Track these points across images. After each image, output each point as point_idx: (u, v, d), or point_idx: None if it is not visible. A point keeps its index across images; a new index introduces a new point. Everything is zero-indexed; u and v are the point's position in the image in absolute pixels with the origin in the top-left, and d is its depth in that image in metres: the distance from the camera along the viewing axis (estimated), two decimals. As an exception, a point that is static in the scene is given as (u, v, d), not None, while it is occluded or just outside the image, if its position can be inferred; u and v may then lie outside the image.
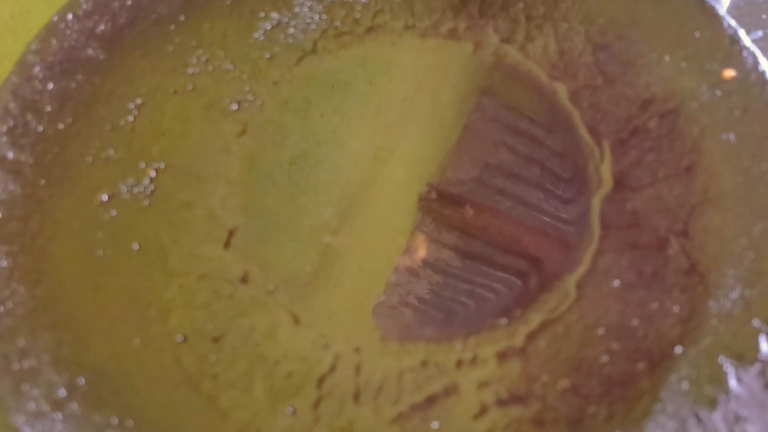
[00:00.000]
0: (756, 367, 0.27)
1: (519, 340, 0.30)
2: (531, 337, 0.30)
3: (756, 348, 0.27)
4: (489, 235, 0.34)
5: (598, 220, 0.33)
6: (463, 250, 0.33)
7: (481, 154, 0.36)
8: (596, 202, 0.33)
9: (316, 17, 0.39)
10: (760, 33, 0.42)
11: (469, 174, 0.36)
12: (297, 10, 0.39)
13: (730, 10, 0.42)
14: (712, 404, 0.27)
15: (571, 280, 0.31)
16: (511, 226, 0.33)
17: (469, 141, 0.36)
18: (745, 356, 0.27)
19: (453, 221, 0.34)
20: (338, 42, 0.38)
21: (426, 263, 0.33)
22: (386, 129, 0.36)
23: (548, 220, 0.34)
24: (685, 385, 0.27)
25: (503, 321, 0.30)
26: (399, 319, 0.31)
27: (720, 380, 0.27)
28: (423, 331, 0.30)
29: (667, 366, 0.28)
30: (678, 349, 0.28)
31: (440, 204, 0.34)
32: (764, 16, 0.43)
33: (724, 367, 0.27)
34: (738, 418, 0.26)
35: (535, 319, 0.30)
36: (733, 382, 0.27)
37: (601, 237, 0.32)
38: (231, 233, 0.33)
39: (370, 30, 0.39)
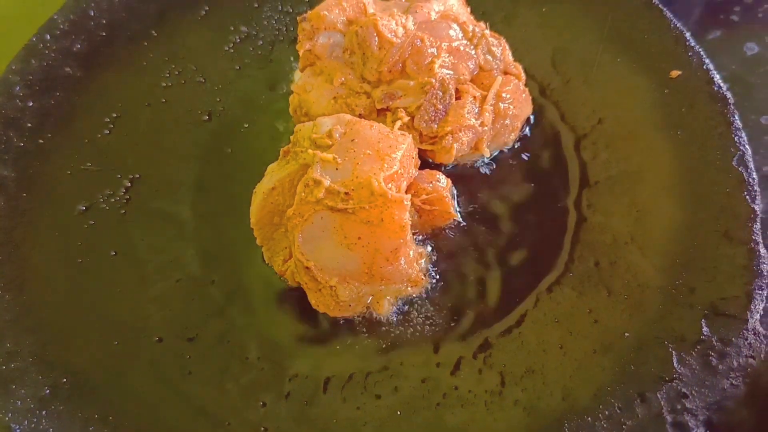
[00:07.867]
0: (697, 348, 0.29)
1: (491, 337, 0.31)
2: (500, 335, 0.31)
3: (698, 331, 0.29)
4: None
5: (573, 218, 0.34)
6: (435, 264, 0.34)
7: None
8: (570, 203, 0.35)
9: (284, 29, 0.41)
10: (718, 33, 0.44)
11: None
12: (265, 23, 0.41)
13: (691, 11, 0.44)
14: (657, 384, 0.28)
15: (544, 284, 0.32)
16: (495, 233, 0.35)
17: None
18: (688, 339, 0.29)
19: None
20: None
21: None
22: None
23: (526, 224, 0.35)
24: (633, 368, 0.29)
25: (477, 327, 0.32)
26: (370, 323, 0.32)
27: (664, 361, 0.29)
28: (391, 335, 0.32)
29: (617, 351, 0.29)
30: (627, 335, 0.30)
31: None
32: (722, 16, 0.44)
33: (669, 348, 0.29)
34: (679, 395, 0.28)
35: (508, 320, 0.32)
36: (676, 363, 0.28)
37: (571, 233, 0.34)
38: (203, 238, 0.34)
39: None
